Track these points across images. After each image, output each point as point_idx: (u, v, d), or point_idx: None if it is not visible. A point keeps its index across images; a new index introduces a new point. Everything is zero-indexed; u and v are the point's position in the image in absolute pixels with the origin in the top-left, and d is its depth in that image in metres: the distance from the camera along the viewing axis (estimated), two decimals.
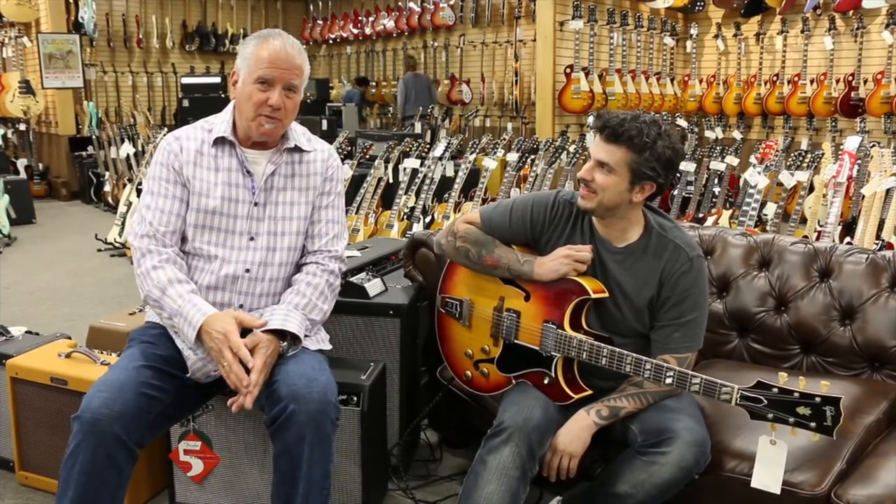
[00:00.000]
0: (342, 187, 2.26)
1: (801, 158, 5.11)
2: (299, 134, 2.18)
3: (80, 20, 10.14)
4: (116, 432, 1.81)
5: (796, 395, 1.70)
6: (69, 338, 2.82)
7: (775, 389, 1.73)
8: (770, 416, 1.73)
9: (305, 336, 2.06)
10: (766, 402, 1.73)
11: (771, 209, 5.17)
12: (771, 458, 1.79)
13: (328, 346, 2.20)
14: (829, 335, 2.42)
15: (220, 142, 2.10)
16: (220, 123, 2.11)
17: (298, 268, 2.19)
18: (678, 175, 6.08)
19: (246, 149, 2.11)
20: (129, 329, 2.96)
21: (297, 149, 2.16)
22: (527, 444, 1.97)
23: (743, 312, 2.56)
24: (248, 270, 2.09)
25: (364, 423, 2.28)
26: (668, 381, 1.88)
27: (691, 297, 2.04)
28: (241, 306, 2.09)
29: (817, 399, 1.68)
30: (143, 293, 2.04)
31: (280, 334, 2.01)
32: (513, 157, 5.99)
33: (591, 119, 8.07)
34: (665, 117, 8.75)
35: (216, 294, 2.07)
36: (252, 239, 2.10)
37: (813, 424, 1.68)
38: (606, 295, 2.07)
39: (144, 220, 2.05)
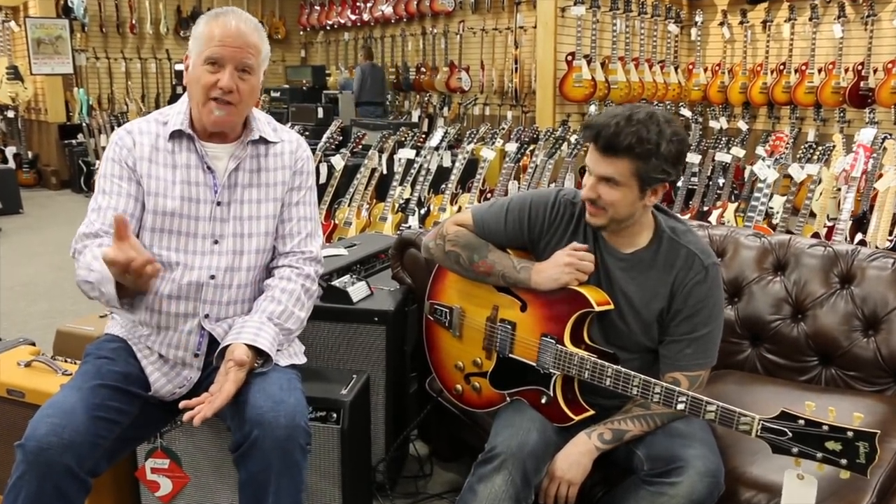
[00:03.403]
0: (313, 180, 2.05)
1: (811, 151, 4.91)
2: (263, 123, 1.97)
3: (70, 4, 9.91)
4: (66, 462, 1.61)
5: (825, 428, 1.50)
6: (33, 343, 2.63)
7: (801, 421, 1.53)
8: (795, 450, 1.53)
9: (277, 350, 1.86)
10: (790, 434, 1.54)
11: (778, 202, 4.97)
12: (799, 495, 1.59)
13: (302, 360, 2.01)
14: (850, 347, 2.23)
15: (176, 135, 1.89)
16: (175, 115, 1.90)
17: (270, 272, 1.99)
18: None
19: (205, 142, 1.90)
20: (99, 334, 2.78)
21: (263, 140, 1.95)
22: (521, 471, 1.78)
23: (756, 320, 2.37)
24: (213, 277, 1.89)
25: (345, 441, 2.10)
26: (680, 406, 1.69)
27: (705, 309, 1.85)
28: (206, 316, 1.89)
29: (849, 434, 1.48)
30: (80, 287, 1.81)
31: (253, 347, 1.82)
32: (512, 147, 5.78)
33: (592, 108, 7.87)
34: (669, 107, 8.55)
35: (178, 304, 1.87)
36: (216, 242, 1.89)
37: (844, 461, 1.49)
38: (611, 307, 1.88)
39: (93, 223, 1.84)
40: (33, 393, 2.25)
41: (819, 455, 1.51)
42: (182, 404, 1.73)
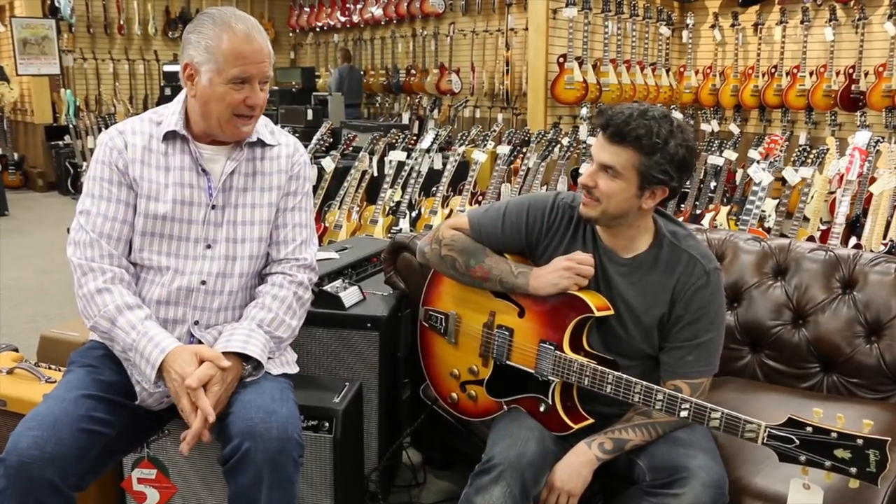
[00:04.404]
0: (310, 186, 2.00)
1: (805, 154, 4.89)
2: (262, 126, 1.91)
3: (57, 4, 9.81)
4: (48, 477, 1.55)
5: (834, 435, 1.46)
6: (16, 349, 2.57)
7: (809, 428, 1.49)
8: (802, 458, 1.49)
9: (269, 358, 1.81)
10: (798, 442, 1.49)
11: (770, 205, 4.95)
12: None
13: (294, 370, 1.95)
14: (853, 353, 2.18)
15: (170, 136, 1.83)
16: (170, 115, 1.84)
17: (262, 278, 1.94)
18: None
19: (201, 144, 1.84)
20: (84, 340, 2.71)
21: (260, 143, 1.89)
22: (520, 482, 1.72)
23: (756, 326, 2.33)
24: (204, 282, 1.83)
25: (337, 450, 2.03)
26: (684, 413, 1.64)
27: (707, 315, 1.80)
28: (196, 322, 1.84)
29: (859, 441, 1.44)
30: (88, 322, 1.77)
31: (243, 355, 1.76)
32: (503, 149, 5.74)
33: (584, 111, 7.84)
34: None
35: (168, 309, 1.82)
36: (209, 247, 1.84)
37: (853, 470, 1.44)
38: (611, 312, 1.83)
39: (83, 227, 1.78)
40: (15, 401, 2.19)
41: (828, 463, 1.47)
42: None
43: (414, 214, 5.56)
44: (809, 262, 2.33)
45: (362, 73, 11.22)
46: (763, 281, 2.36)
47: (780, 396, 2.17)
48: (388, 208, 5.54)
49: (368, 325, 2.32)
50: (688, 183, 5.97)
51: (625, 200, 1.75)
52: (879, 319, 2.17)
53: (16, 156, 9.59)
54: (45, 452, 1.55)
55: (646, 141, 1.69)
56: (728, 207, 5.74)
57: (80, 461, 1.61)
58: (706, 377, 1.82)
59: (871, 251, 3.94)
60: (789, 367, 2.28)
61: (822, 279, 2.29)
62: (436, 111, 9.96)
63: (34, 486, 1.54)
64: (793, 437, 1.51)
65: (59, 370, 2.36)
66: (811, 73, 7.87)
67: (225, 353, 1.74)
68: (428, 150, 5.85)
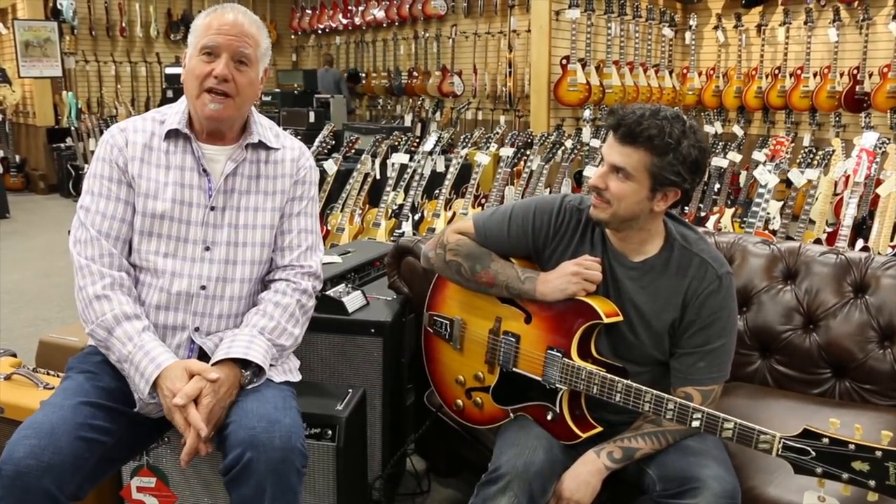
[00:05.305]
0: (316, 191, 1.96)
1: (811, 156, 4.85)
2: (266, 128, 1.88)
3: (59, 7, 9.79)
4: (45, 487, 1.51)
5: (852, 447, 1.42)
6: (14, 355, 2.53)
7: (826, 440, 1.45)
8: (819, 470, 1.45)
9: (271, 366, 1.77)
10: (814, 454, 1.45)
11: (774, 208, 4.90)
12: None
13: (296, 377, 1.91)
14: (865, 358, 2.13)
15: (172, 135, 1.80)
16: (173, 114, 1.81)
17: (265, 285, 1.90)
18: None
19: (203, 143, 1.81)
20: (83, 345, 2.68)
21: (263, 145, 1.86)
22: (527, 493, 1.69)
23: (766, 330, 2.28)
24: (203, 287, 1.79)
25: (340, 459, 2.00)
26: (695, 424, 1.60)
27: (719, 320, 1.76)
28: (196, 329, 1.80)
29: (878, 453, 1.40)
30: (86, 327, 1.74)
31: (242, 362, 1.72)
32: (506, 151, 5.70)
33: (587, 112, 7.81)
34: None
35: (167, 315, 1.78)
36: (208, 249, 1.80)
37: (872, 483, 1.40)
38: (620, 319, 1.79)
39: (83, 224, 1.75)
40: (13, 408, 2.16)
41: (845, 476, 1.43)
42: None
43: (417, 217, 5.53)
44: (820, 265, 2.29)
45: (363, 74, 11.20)
46: (773, 285, 2.32)
47: (791, 403, 2.12)
48: (390, 211, 5.51)
49: (372, 330, 2.29)
50: None
51: (636, 203, 1.71)
52: (893, 324, 2.12)
53: (17, 158, 9.56)
54: (41, 461, 1.51)
55: (658, 141, 1.65)
56: (732, 210, 5.70)
57: (77, 470, 1.57)
58: (718, 384, 1.79)
59: (879, 254, 3.91)
60: (800, 372, 2.23)
61: (833, 283, 2.25)
62: (438, 113, 9.93)
63: (30, 495, 1.50)
64: (809, 448, 1.47)
65: (58, 376, 2.33)
66: (815, 75, 7.82)
67: (225, 360, 1.70)
68: (430, 153, 5.81)
